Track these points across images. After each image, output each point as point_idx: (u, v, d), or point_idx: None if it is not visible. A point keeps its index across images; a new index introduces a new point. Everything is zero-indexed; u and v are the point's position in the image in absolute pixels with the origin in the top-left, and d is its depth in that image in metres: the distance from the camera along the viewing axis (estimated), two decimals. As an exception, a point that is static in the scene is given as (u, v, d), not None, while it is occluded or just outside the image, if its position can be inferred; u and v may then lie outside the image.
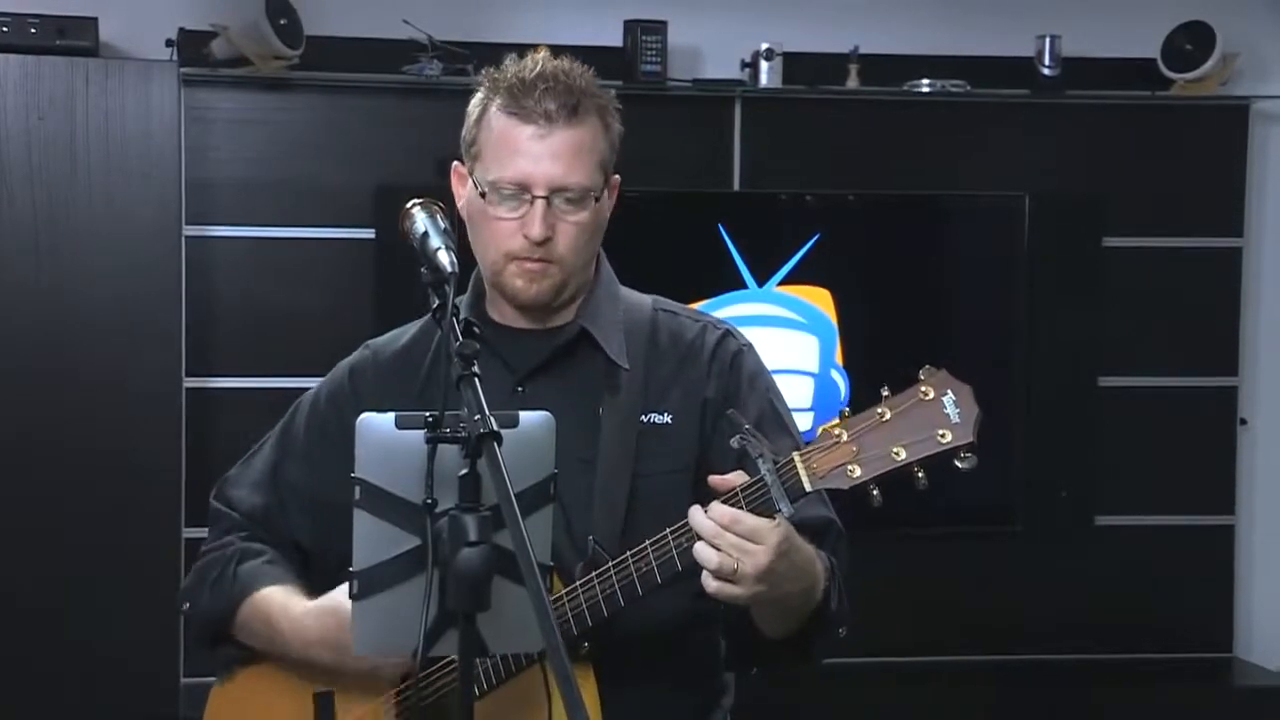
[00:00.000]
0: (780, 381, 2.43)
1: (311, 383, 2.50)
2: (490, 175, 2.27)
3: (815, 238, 4.86)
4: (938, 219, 5.11)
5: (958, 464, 2.08)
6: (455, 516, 1.82)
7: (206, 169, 4.71)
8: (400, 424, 1.91)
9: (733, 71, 4.96)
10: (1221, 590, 5.22)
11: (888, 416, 2.08)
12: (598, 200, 2.28)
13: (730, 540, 2.06)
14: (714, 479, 2.12)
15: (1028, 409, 4.95)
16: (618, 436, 2.29)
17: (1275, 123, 5.22)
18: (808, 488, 2.08)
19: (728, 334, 2.40)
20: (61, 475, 4.50)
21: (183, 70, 4.60)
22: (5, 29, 4.47)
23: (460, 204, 2.34)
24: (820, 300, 4.86)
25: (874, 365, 4.81)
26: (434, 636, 1.91)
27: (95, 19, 4.54)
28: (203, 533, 2.50)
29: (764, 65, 4.89)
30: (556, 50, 2.33)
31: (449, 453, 1.86)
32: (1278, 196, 5.24)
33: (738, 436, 2.10)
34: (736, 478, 2.11)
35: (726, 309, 4.70)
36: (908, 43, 5.05)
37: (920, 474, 2.07)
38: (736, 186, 4.98)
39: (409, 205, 2.12)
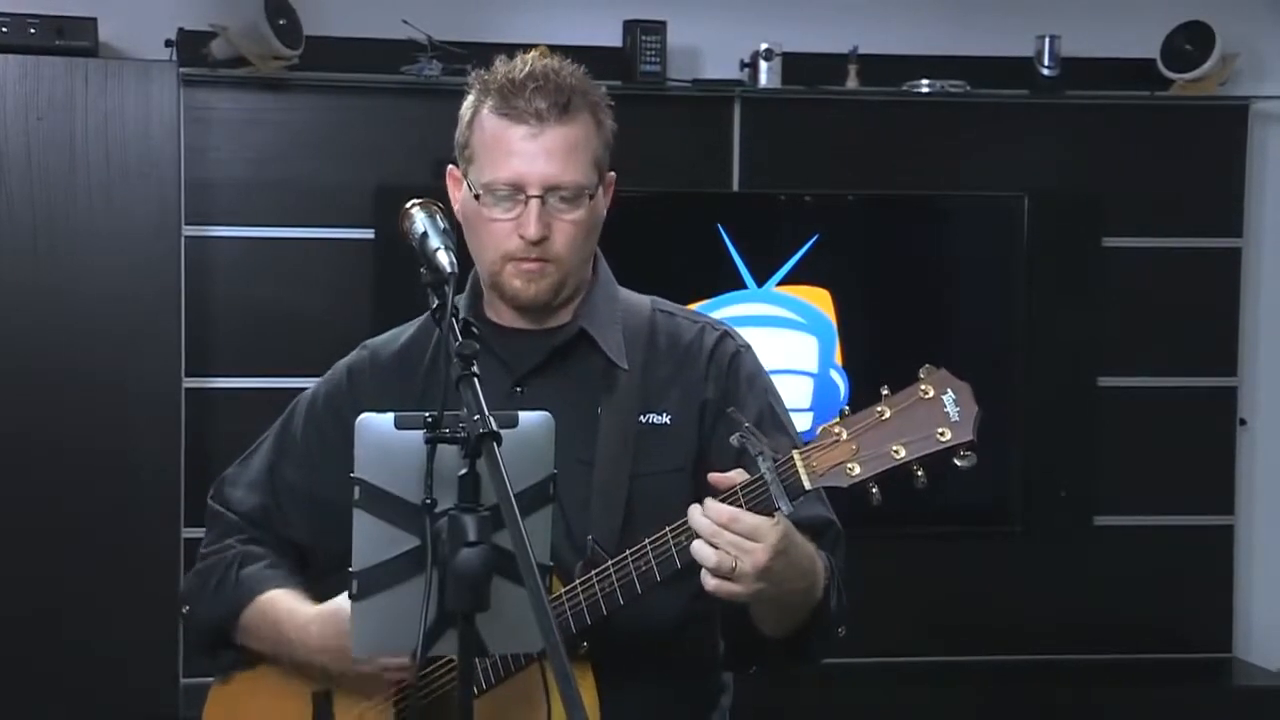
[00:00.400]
0: (779, 382, 2.44)
1: (310, 383, 2.50)
2: (484, 177, 2.26)
3: (814, 238, 4.86)
4: (937, 219, 5.11)
5: (957, 462, 2.08)
6: (454, 516, 1.82)
7: (206, 169, 4.71)
8: (399, 424, 1.91)
9: (732, 72, 4.96)
10: (1221, 590, 5.22)
11: (887, 415, 2.08)
12: (592, 198, 2.28)
13: (729, 538, 2.06)
14: (714, 476, 2.12)
15: (1027, 409, 4.95)
16: (616, 437, 2.29)
17: (1275, 123, 5.22)
18: (807, 486, 2.08)
19: (726, 335, 2.40)
20: (61, 475, 4.50)
21: (182, 70, 4.60)
22: (4, 29, 4.47)
23: (456, 207, 2.33)
24: (819, 300, 4.86)
25: (873, 365, 4.81)
26: (433, 637, 1.91)
27: (94, 19, 4.54)
28: (202, 533, 2.50)
29: (763, 65, 4.89)
30: (556, 51, 2.33)
31: (448, 453, 1.86)
32: (1277, 197, 5.24)
33: (737, 434, 2.10)
34: (736, 475, 2.11)
35: (726, 309, 4.71)
36: (907, 43, 5.05)
37: (919, 472, 2.07)
38: (736, 187, 4.98)
39: (408, 205, 2.12)
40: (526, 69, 2.26)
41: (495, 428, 1.83)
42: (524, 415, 1.94)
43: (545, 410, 1.97)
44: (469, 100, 2.31)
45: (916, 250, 5.03)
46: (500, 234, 2.26)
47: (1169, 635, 5.15)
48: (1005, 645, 5.06)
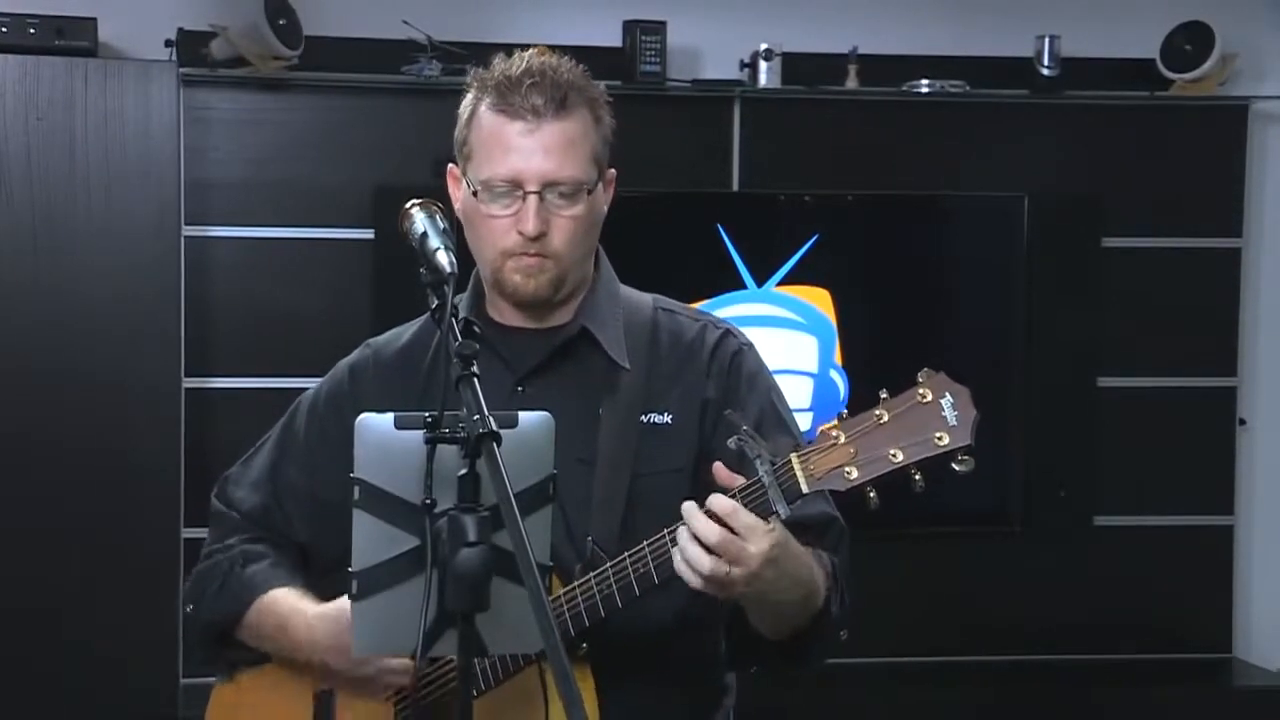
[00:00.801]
0: (779, 382, 2.43)
1: (310, 383, 2.50)
2: (482, 174, 2.26)
3: (814, 238, 4.86)
4: (937, 219, 5.11)
5: (955, 467, 2.07)
6: (454, 517, 1.82)
7: (205, 169, 4.71)
8: (399, 424, 1.91)
9: (732, 72, 4.96)
10: (1221, 590, 5.22)
11: (885, 419, 2.07)
12: (591, 193, 2.27)
13: (720, 537, 2.05)
14: (718, 466, 2.11)
15: (1027, 409, 4.95)
16: (618, 436, 2.29)
17: (1274, 123, 5.22)
18: (805, 489, 2.07)
19: (728, 333, 2.39)
20: (61, 475, 4.50)
21: (182, 71, 4.60)
22: (4, 29, 4.47)
23: (457, 206, 2.33)
24: (819, 300, 4.86)
25: (873, 366, 4.81)
26: (433, 637, 1.91)
27: (94, 19, 4.54)
28: (202, 533, 2.50)
29: (763, 65, 4.89)
30: (556, 51, 2.33)
31: (448, 453, 1.86)
32: (1277, 197, 5.24)
33: (735, 438, 2.09)
34: (733, 479, 2.11)
35: (726, 309, 4.70)
36: (907, 43, 5.05)
37: (917, 476, 2.06)
38: (735, 187, 4.98)
39: (408, 205, 2.12)
40: (523, 66, 2.26)
41: (495, 428, 1.83)
42: (524, 415, 1.93)
43: (546, 410, 1.96)
44: (467, 98, 2.31)
45: (916, 250, 5.02)
46: (499, 230, 2.26)
47: (1169, 635, 5.15)
48: (1005, 645, 5.06)
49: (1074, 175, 5.08)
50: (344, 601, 2.20)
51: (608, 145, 2.31)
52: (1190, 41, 5.01)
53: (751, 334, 2.44)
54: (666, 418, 2.32)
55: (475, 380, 1.87)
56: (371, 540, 1.94)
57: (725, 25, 4.99)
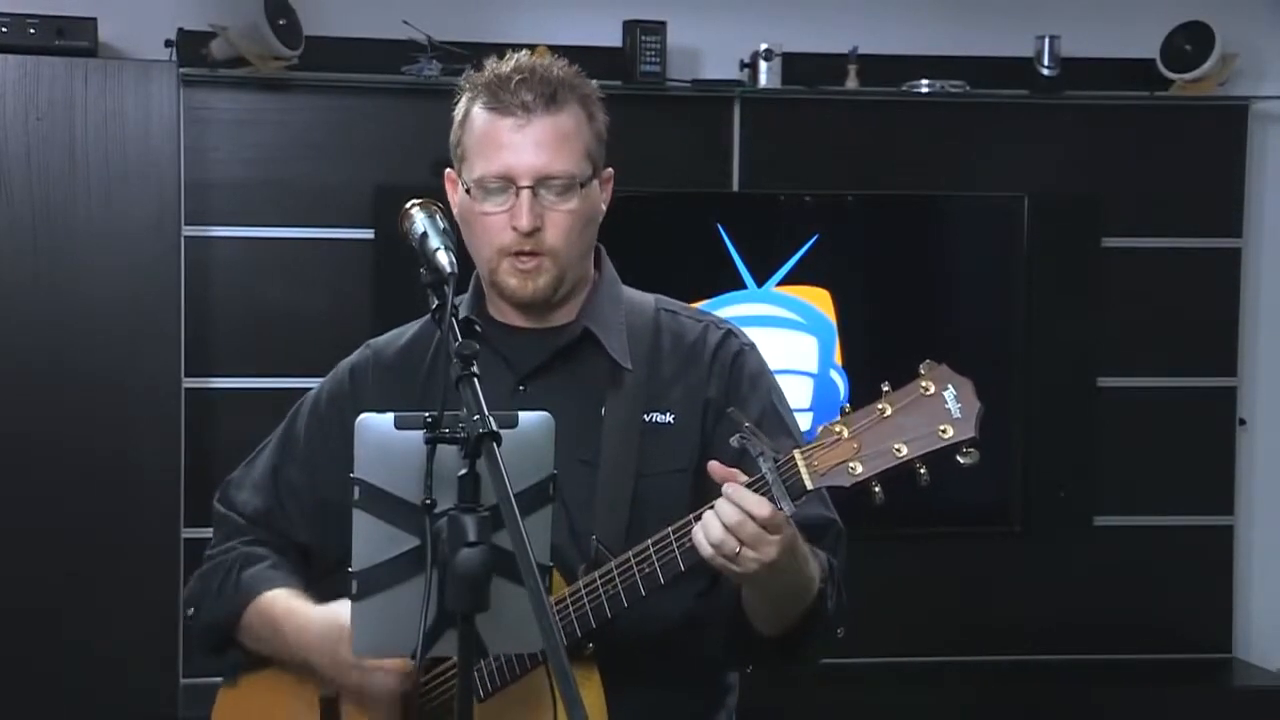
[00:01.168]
0: (779, 382, 2.43)
1: (311, 383, 2.50)
2: (476, 173, 2.27)
3: (814, 238, 4.85)
4: (937, 219, 5.11)
5: (960, 459, 2.06)
6: (454, 517, 1.82)
7: (205, 169, 4.71)
8: (399, 424, 1.91)
9: (732, 72, 4.96)
10: (1221, 590, 5.22)
11: (888, 412, 2.07)
12: (585, 187, 2.27)
13: (751, 531, 2.06)
14: (713, 465, 2.12)
15: (1027, 409, 4.95)
16: (620, 436, 2.29)
17: (1274, 123, 5.22)
18: (809, 485, 2.07)
19: (730, 334, 2.39)
20: (61, 475, 4.50)
21: (182, 71, 4.60)
22: (4, 29, 4.47)
23: (455, 210, 2.33)
24: (819, 300, 4.86)
25: (873, 366, 4.81)
26: (433, 637, 1.91)
27: (94, 19, 4.54)
28: (202, 533, 2.51)
29: (763, 65, 4.89)
30: (555, 51, 2.33)
31: (448, 453, 1.86)
32: (1276, 197, 5.24)
33: (737, 435, 2.09)
34: (730, 473, 2.11)
35: (726, 309, 4.70)
36: (907, 43, 5.05)
37: (922, 470, 2.06)
38: (735, 187, 4.97)
39: (408, 206, 2.12)
40: (513, 64, 2.28)
41: (495, 428, 1.83)
42: (524, 415, 1.93)
43: (547, 410, 1.96)
44: (460, 101, 2.32)
45: (916, 250, 5.03)
46: (494, 228, 2.26)
47: (1169, 635, 5.15)
48: (1005, 645, 5.06)
49: (1074, 175, 5.08)
50: (338, 605, 2.20)
51: (602, 142, 2.32)
52: (1190, 41, 5.01)
53: (752, 334, 2.44)
54: (669, 418, 2.32)
55: (475, 380, 1.87)
56: (371, 540, 1.93)
57: (725, 25, 4.99)
